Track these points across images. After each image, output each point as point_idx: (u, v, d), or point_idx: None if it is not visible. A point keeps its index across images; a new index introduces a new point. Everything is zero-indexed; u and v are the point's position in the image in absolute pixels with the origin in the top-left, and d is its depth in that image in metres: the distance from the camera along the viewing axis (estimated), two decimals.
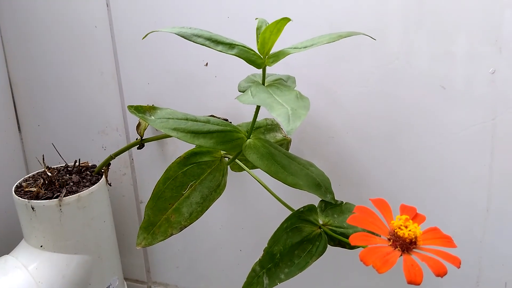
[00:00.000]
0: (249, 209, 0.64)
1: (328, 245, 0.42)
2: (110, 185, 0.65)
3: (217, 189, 0.48)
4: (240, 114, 0.60)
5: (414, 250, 0.30)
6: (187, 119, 0.42)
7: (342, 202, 0.45)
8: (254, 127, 0.53)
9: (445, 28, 0.49)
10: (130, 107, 0.40)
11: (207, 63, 0.60)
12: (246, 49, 0.39)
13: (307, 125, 0.58)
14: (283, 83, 0.43)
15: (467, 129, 0.51)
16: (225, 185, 0.48)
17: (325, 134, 0.58)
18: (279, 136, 0.55)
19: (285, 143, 0.56)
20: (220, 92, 0.60)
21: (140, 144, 0.62)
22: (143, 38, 0.41)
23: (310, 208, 0.42)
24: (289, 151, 0.56)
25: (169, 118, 0.42)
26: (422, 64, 0.51)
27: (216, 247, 0.68)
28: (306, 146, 0.59)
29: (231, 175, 0.55)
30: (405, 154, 0.55)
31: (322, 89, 0.56)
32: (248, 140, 0.44)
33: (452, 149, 0.52)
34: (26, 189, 0.58)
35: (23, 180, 0.61)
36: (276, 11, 0.55)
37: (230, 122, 0.60)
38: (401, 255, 0.29)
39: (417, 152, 0.54)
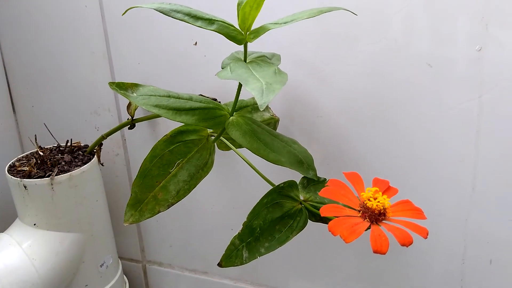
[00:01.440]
0: (239, 189, 0.65)
1: (309, 220, 0.43)
2: (102, 165, 0.66)
3: (204, 167, 0.48)
4: (229, 93, 0.60)
5: (383, 221, 0.30)
6: (169, 96, 0.43)
7: (325, 179, 0.45)
8: (242, 106, 0.53)
9: (432, 6, 0.49)
10: (111, 84, 0.41)
11: (196, 43, 0.60)
12: (226, 24, 0.40)
13: (296, 104, 0.58)
14: (266, 60, 0.44)
15: (454, 107, 0.51)
16: (212, 164, 0.48)
17: (313, 113, 0.58)
18: (266, 115, 0.56)
19: (273, 122, 0.56)
20: (210, 72, 0.60)
21: (131, 124, 0.62)
22: (123, 14, 0.41)
23: (290, 184, 0.43)
24: (277, 130, 0.57)
25: (151, 95, 0.42)
26: (409, 42, 0.51)
27: (208, 226, 0.69)
28: (295, 125, 0.59)
29: (222, 155, 0.56)
30: (392, 132, 0.55)
31: (311, 68, 0.56)
32: (231, 118, 0.44)
33: (438, 127, 0.52)
34: (19, 168, 0.59)
35: (16, 159, 0.62)
36: None
37: (219, 102, 0.60)
38: (369, 226, 0.30)
39: (404, 130, 0.54)
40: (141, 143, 0.69)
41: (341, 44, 0.53)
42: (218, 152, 0.50)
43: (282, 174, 0.48)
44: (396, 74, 0.52)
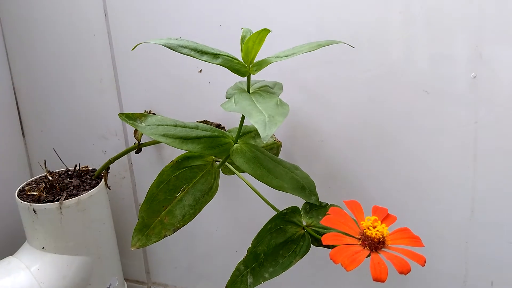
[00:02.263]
0: (243, 211, 0.66)
1: (312, 245, 0.44)
2: (109, 189, 0.67)
3: (209, 192, 0.49)
4: (233, 118, 0.62)
5: (382, 249, 0.31)
6: (176, 125, 0.44)
7: (327, 204, 0.46)
8: (246, 132, 0.55)
9: (428, 36, 0.51)
10: (121, 114, 0.42)
11: (201, 70, 0.62)
12: (230, 58, 0.41)
13: (298, 129, 0.60)
14: (268, 90, 0.45)
15: (451, 132, 0.53)
16: (217, 188, 0.50)
17: (315, 138, 0.59)
18: (269, 140, 0.57)
19: (276, 146, 0.57)
20: (214, 98, 0.62)
21: (138, 148, 0.64)
22: (133, 49, 0.43)
23: (293, 210, 0.44)
24: (279, 154, 0.58)
25: (158, 125, 0.44)
26: (406, 69, 0.52)
27: (212, 248, 0.70)
28: (297, 149, 0.60)
29: (226, 178, 0.57)
30: (391, 157, 0.56)
31: (312, 94, 0.58)
32: (235, 145, 0.46)
33: (436, 152, 0.54)
34: (29, 193, 0.61)
35: (26, 184, 0.64)
36: (266, 19, 0.57)
37: (223, 127, 0.62)
38: (369, 254, 0.31)
39: (403, 155, 0.55)
40: (147, 167, 0.70)
41: (341, 71, 0.55)
42: (222, 176, 0.51)
43: (285, 198, 0.50)
44: (394, 100, 0.54)
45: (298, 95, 0.58)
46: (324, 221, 0.33)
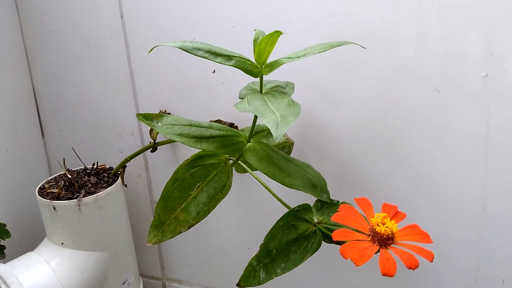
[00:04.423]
0: (256, 209, 0.67)
1: (324, 242, 0.45)
2: (126, 186, 0.69)
3: (223, 189, 0.51)
4: (246, 118, 0.63)
5: (391, 245, 0.32)
6: (191, 125, 0.46)
7: (338, 201, 0.47)
8: (258, 131, 0.56)
9: (439, 35, 0.51)
10: (138, 115, 0.44)
11: (214, 70, 0.63)
12: (243, 60, 0.43)
13: (310, 128, 0.61)
14: (280, 90, 0.46)
15: (462, 130, 0.53)
16: (230, 186, 0.51)
17: (327, 136, 0.60)
18: (281, 139, 0.58)
19: (288, 145, 0.58)
20: (227, 98, 0.64)
21: (153, 147, 0.66)
22: (149, 51, 0.45)
23: (305, 207, 0.45)
24: (291, 153, 0.59)
25: (174, 125, 0.45)
26: (417, 68, 0.53)
27: (225, 245, 0.72)
28: (309, 148, 0.61)
29: (239, 177, 0.58)
30: (403, 155, 0.57)
31: (324, 93, 0.59)
32: (248, 144, 0.47)
33: (448, 151, 0.54)
34: (49, 190, 0.63)
35: (45, 182, 0.66)
36: (278, 19, 0.57)
37: (236, 126, 0.63)
38: (378, 250, 0.32)
39: (414, 153, 0.56)
40: (162, 165, 0.72)
41: (352, 70, 0.56)
42: (235, 174, 0.53)
43: (297, 196, 0.51)
44: (406, 99, 0.54)
45: (310, 94, 0.59)
46: (334, 218, 0.34)
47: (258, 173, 0.52)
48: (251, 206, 0.68)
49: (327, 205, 0.47)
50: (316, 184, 0.47)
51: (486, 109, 0.51)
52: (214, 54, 0.41)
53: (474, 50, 0.50)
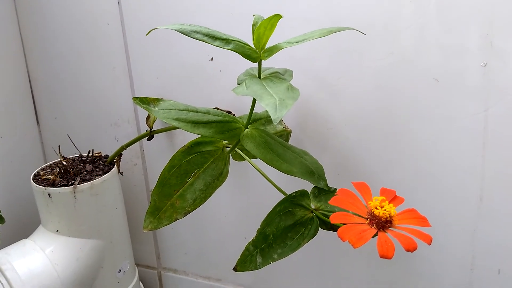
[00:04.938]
0: (253, 198, 0.67)
1: (321, 228, 0.45)
2: (122, 175, 0.68)
3: (220, 177, 0.51)
4: (243, 106, 0.63)
5: (389, 228, 0.32)
6: (188, 110, 0.45)
7: (335, 188, 0.47)
8: (256, 118, 0.56)
9: (438, 25, 0.51)
10: (135, 98, 0.44)
11: (212, 58, 0.63)
12: (242, 44, 0.42)
13: (308, 117, 0.60)
14: (279, 76, 0.46)
15: (460, 121, 0.53)
16: (227, 173, 0.51)
17: (324, 126, 0.60)
18: (279, 127, 0.58)
19: (285, 134, 0.58)
20: (225, 86, 0.63)
21: (150, 135, 0.65)
22: (147, 34, 0.44)
23: (302, 193, 0.45)
24: (289, 142, 0.59)
25: (171, 109, 0.45)
26: (416, 58, 0.53)
27: (221, 234, 0.71)
28: (307, 137, 0.61)
29: (236, 165, 0.58)
30: (400, 145, 0.57)
31: (322, 82, 0.58)
32: (246, 130, 0.47)
33: (446, 141, 0.54)
34: (43, 177, 0.63)
35: (40, 169, 0.65)
36: (277, 7, 0.57)
37: (234, 114, 0.63)
38: (377, 233, 0.32)
39: (412, 143, 0.56)
40: (158, 154, 0.72)
41: (351, 59, 0.56)
42: (232, 162, 0.52)
43: (294, 184, 0.50)
44: (404, 89, 0.54)
45: (308, 83, 0.58)
46: (332, 201, 0.34)
47: (255, 161, 0.52)
48: (248, 196, 0.67)
49: (325, 192, 0.47)
50: (313, 171, 0.46)
51: (485, 100, 0.51)
52: (213, 38, 0.41)
53: (474, 40, 0.50)
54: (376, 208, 0.32)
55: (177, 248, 0.76)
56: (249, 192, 0.67)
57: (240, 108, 0.63)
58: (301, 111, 0.60)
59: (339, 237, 0.30)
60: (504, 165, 0.53)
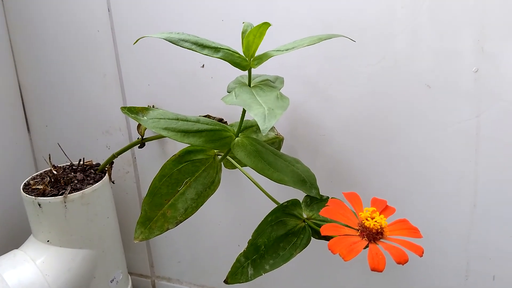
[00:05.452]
0: (245, 206, 0.67)
1: (313, 238, 0.44)
2: (113, 183, 0.68)
3: (211, 185, 0.50)
4: (236, 113, 0.62)
5: (381, 240, 0.32)
6: (177, 119, 0.45)
7: (327, 197, 0.47)
8: (247, 126, 0.55)
9: (430, 30, 0.51)
10: (123, 108, 0.43)
11: (203, 65, 0.62)
12: (231, 52, 0.42)
13: (300, 123, 0.60)
14: (269, 84, 0.46)
15: (453, 126, 0.53)
16: (219, 182, 0.50)
17: (317, 132, 0.59)
18: (271, 134, 0.58)
19: (277, 141, 0.58)
20: (216, 93, 0.63)
21: (141, 143, 0.65)
22: (134, 43, 0.44)
23: (294, 203, 0.44)
24: (281, 149, 0.59)
25: (160, 118, 0.44)
26: (408, 63, 0.52)
27: (215, 243, 0.71)
28: (299, 143, 0.61)
29: (228, 173, 0.57)
30: (393, 152, 0.56)
31: (314, 88, 0.58)
32: (237, 139, 0.46)
33: (438, 146, 0.54)
34: (34, 187, 0.62)
35: (31, 178, 0.65)
36: (269, 12, 0.57)
37: (225, 122, 0.63)
38: (367, 244, 0.31)
39: (405, 149, 0.55)
40: (150, 161, 0.71)
41: (342, 65, 0.55)
42: (224, 170, 0.52)
43: (286, 192, 0.50)
44: (396, 94, 0.54)
45: (300, 89, 0.58)
46: (323, 212, 0.33)
47: (247, 169, 0.52)
48: (241, 203, 0.67)
49: (317, 200, 0.46)
50: (305, 180, 0.46)
51: (477, 105, 0.51)
52: (201, 46, 0.41)
53: (466, 46, 0.50)
54: (366, 219, 0.32)
55: (170, 257, 0.75)
56: (242, 200, 0.67)
57: (232, 114, 0.63)
58: (293, 117, 0.60)
59: (329, 249, 0.30)
60: (497, 170, 0.52)
